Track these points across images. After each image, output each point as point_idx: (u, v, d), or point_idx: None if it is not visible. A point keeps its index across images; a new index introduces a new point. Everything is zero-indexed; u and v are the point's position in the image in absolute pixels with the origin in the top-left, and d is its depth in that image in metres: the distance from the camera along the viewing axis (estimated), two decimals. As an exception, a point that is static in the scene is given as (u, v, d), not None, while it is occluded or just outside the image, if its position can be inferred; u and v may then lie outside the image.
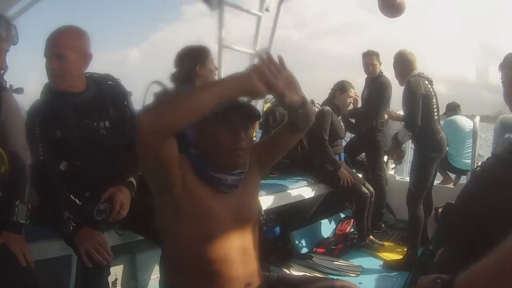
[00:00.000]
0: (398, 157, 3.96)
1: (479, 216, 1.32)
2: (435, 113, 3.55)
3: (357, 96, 4.22)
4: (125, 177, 2.07)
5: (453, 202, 2.16)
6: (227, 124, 1.46)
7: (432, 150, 3.54)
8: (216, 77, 2.93)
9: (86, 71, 2.17)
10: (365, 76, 4.42)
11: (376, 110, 4.25)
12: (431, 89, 3.55)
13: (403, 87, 3.61)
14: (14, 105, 1.95)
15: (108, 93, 2.18)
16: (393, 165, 4.96)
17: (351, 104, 4.15)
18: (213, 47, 2.89)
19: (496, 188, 1.35)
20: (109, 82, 2.24)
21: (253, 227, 1.63)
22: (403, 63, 3.65)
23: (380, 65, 4.34)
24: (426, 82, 3.54)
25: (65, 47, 1.98)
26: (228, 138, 1.45)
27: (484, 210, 1.29)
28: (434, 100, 3.54)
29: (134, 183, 2.06)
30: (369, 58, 4.33)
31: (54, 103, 2.04)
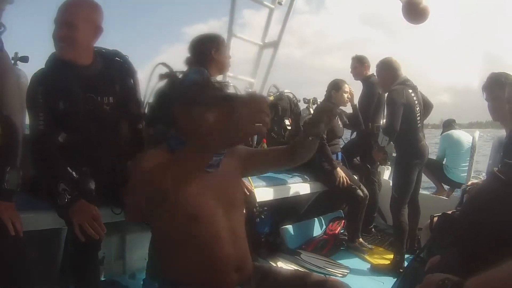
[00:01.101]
0: (383, 159, 3.91)
1: (483, 226, 1.32)
2: (418, 121, 3.54)
3: (353, 91, 4.20)
4: None
5: (449, 212, 2.18)
6: (215, 108, 1.49)
7: (413, 157, 3.54)
8: (229, 65, 2.92)
9: (95, 46, 2.14)
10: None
11: (368, 110, 4.29)
12: (415, 98, 3.53)
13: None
14: (8, 68, 1.91)
15: (115, 69, 2.16)
16: (383, 168, 4.96)
17: (348, 100, 4.09)
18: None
19: (499, 202, 1.35)
20: (117, 58, 2.21)
21: (239, 210, 1.66)
22: (386, 71, 3.64)
23: (365, 68, 4.53)
24: (410, 91, 3.52)
25: (76, 16, 1.96)
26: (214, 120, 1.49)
27: (489, 220, 1.30)
28: (418, 108, 3.53)
29: None
30: (352, 62, 4.62)
31: (59, 73, 2.00)
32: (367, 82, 4.49)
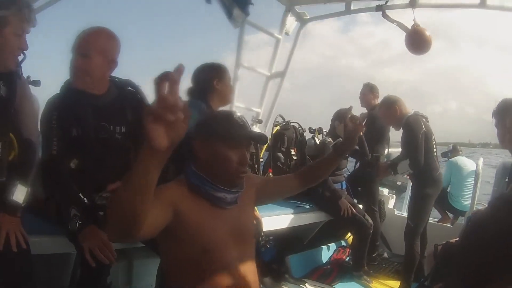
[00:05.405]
0: (384, 176, 4.08)
1: (483, 254, 1.34)
2: (435, 150, 3.58)
3: None
4: None
5: (453, 241, 2.20)
6: (235, 146, 1.55)
7: (430, 187, 3.56)
8: (233, 98, 2.86)
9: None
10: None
11: (369, 143, 4.32)
12: (429, 127, 3.59)
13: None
14: (28, 94, 1.99)
15: (128, 99, 2.20)
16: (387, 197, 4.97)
17: None
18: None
19: (499, 231, 1.37)
20: (130, 88, 2.26)
21: (250, 241, 1.68)
22: (394, 106, 3.67)
23: (374, 98, 4.55)
24: (424, 120, 3.59)
25: (93, 48, 2.00)
26: (236, 159, 1.54)
27: (486, 250, 1.31)
28: (433, 136, 3.58)
29: None
30: (363, 89, 4.63)
31: (73, 101, 2.05)
32: (371, 114, 4.50)
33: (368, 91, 4.59)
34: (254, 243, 1.71)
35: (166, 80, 0.88)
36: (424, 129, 3.48)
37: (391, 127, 4.19)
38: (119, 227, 1.13)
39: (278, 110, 4.63)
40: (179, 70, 0.90)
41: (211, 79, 2.62)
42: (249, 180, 1.73)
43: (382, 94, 4.13)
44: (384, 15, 3.86)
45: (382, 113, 3.85)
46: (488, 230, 1.40)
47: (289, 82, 4.59)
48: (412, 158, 3.50)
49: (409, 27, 3.73)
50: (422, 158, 3.44)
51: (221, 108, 2.67)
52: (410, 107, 3.68)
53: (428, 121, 3.64)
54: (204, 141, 1.56)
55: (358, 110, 4.74)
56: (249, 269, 1.63)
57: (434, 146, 3.58)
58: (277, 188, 1.91)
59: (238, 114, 1.67)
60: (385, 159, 4.67)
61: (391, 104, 3.69)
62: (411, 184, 4.12)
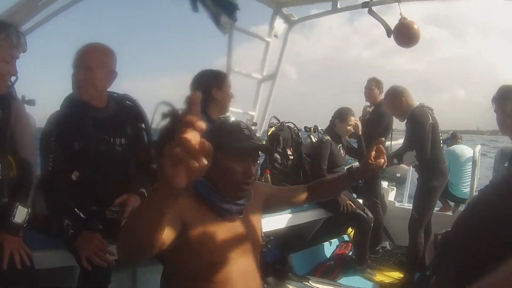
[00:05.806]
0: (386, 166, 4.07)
1: (474, 242, 1.36)
2: (441, 142, 3.64)
3: (357, 122, 4.24)
4: (137, 188, 2.16)
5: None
6: (239, 158, 1.53)
7: (437, 179, 3.61)
8: (230, 106, 2.84)
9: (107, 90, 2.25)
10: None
11: (373, 135, 4.32)
12: (435, 118, 3.61)
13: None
14: (24, 114, 2.04)
15: (126, 112, 2.28)
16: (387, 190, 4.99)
17: (350, 131, 4.13)
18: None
19: (493, 218, 1.39)
20: (127, 102, 2.33)
21: (255, 251, 1.68)
22: (400, 97, 3.68)
23: (379, 93, 4.48)
24: (430, 112, 3.61)
25: (94, 61, 2.09)
26: (240, 171, 1.53)
27: (481, 237, 1.33)
28: (439, 128, 3.62)
29: (146, 194, 2.14)
30: (368, 83, 4.55)
31: (74, 115, 2.12)
32: (377, 110, 4.49)
33: (374, 86, 4.55)
34: (259, 251, 1.71)
35: (189, 123, 0.81)
36: (431, 121, 3.52)
37: (394, 120, 4.22)
38: (132, 251, 1.15)
39: (284, 105, 4.65)
40: (195, 100, 0.84)
41: (210, 88, 2.63)
42: (257, 189, 1.73)
43: (391, 83, 4.10)
44: (370, 12, 3.87)
45: (388, 103, 3.88)
46: (482, 217, 1.43)
47: (296, 73, 4.49)
48: (419, 150, 3.54)
49: (396, 24, 3.73)
50: (429, 150, 3.47)
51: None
52: (417, 97, 3.71)
53: (433, 113, 3.67)
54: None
55: (362, 103, 4.75)
56: (253, 280, 1.63)
57: (440, 138, 3.62)
58: (286, 199, 1.91)
59: (230, 116, 1.66)
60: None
61: (397, 95, 3.72)
62: (413, 176, 4.14)
